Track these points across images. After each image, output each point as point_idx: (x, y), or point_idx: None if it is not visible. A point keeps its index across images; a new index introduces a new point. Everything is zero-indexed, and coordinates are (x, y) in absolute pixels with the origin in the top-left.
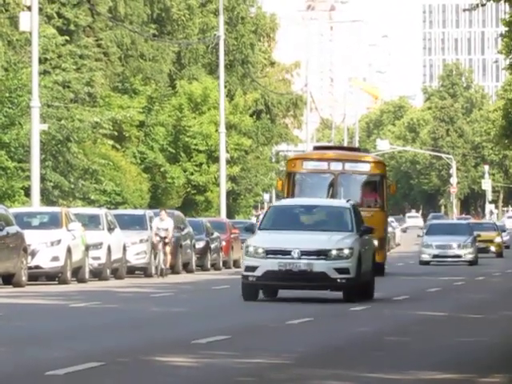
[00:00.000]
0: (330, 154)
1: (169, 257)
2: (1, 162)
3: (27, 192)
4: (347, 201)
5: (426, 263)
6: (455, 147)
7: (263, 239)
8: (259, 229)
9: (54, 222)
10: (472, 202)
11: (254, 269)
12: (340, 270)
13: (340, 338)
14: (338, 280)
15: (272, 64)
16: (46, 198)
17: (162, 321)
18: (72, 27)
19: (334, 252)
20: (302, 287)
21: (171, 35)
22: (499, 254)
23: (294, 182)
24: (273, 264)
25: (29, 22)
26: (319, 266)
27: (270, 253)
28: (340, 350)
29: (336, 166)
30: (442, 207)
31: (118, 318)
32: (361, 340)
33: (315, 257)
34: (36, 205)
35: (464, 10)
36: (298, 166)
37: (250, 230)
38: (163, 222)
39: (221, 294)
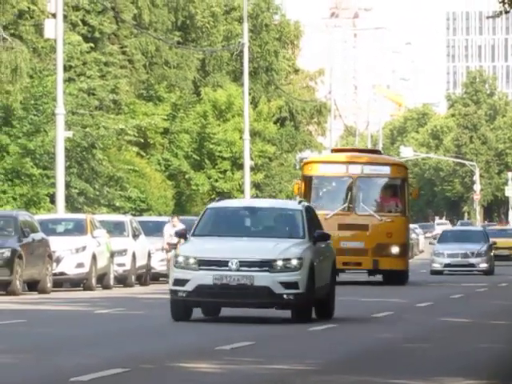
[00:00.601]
0: (348, 156)
1: None
2: (26, 169)
3: (52, 199)
4: (299, 202)
5: (438, 273)
6: (478, 154)
7: (196, 248)
8: (192, 235)
9: (78, 228)
10: (495, 208)
11: (184, 282)
12: (287, 285)
13: (365, 345)
14: (285, 296)
15: (296, 71)
16: (71, 205)
17: (186, 327)
18: (97, 34)
19: (279, 263)
20: (241, 305)
21: (195, 42)
22: None
23: (310, 187)
24: (206, 277)
25: (53, 29)
26: (261, 279)
27: (203, 263)
28: (364, 357)
29: (354, 169)
30: (466, 214)
31: (142, 325)
32: (384, 347)
33: (257, 268)
34: (61, 212)
35: (488, 18)
36: (314, 170)
37: (181, 235)
38: (175, 229)
39: None
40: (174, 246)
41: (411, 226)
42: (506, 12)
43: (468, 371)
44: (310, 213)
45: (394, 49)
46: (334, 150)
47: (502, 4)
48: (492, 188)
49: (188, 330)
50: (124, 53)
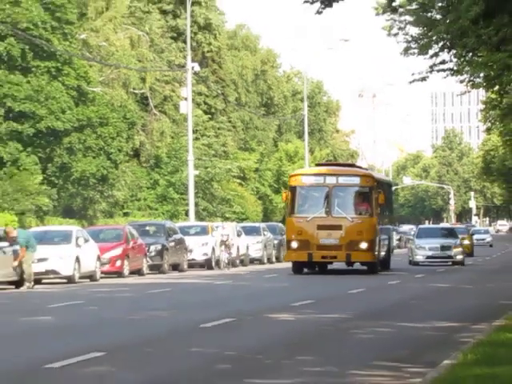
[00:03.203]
0: (326, 169)
1: (230, 255)
2: (170, 195)
3: (186, 213)
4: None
5: (417, 264)
6: (452, 181)
7: None
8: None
9: (203, 231)
10: (463, 215)
11: None
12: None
13: (385, 302)
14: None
15: (337, 131)
16: (198, 217)
17: (270, 291)
18: (213, 110)
19: None
20: None
21: (274, 114)
22: (469, 254)
23: (294, 194)
24: None
25: (186, 107)
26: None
27: None
28: (384, 310)
29: (330, 180)
30: (445, 219)
31: (246, 292)
32: (396, 303)
33: None
34: (192, 221)
35: (457, 95)
36: (298, 181)
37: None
38: (225, 230)
39: (291, 276)
40: (223, 243)
41: (410, 226)
42: (469, 91)
43: (449, 316)
44: None
45: (400, 118)
46: (318, 164)
47: (465, 85)
48: (461, 202)
49: (271, 293)
50: (230, 121)
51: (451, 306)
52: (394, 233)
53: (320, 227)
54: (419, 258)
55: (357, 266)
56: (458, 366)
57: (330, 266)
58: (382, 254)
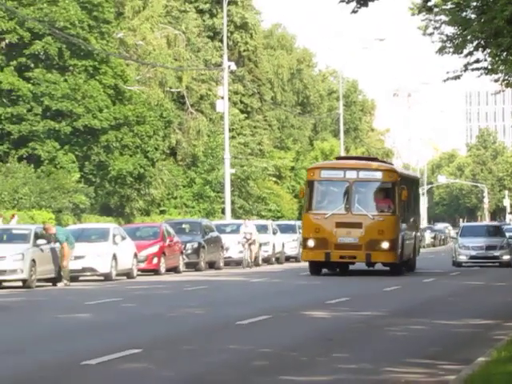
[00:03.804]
0: (346, 163)
1: (253, 252)
2: (207, 193)
3: (223, 211)
4: None
5: (460, 265)
6: (486, 179)
7: None
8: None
9: (239, 229)
10: (497, 213)
11: None
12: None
13: (420, 299)
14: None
15: (372, 130)
16: (235, 215)
17: (307, 289)
18: (249, 109)
19: None
20: None
21: (310, 113)
22: None
23: (312, 190)
24: None
25: (222, 106)
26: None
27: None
28: (419, 306)
29: (351, 175)
30: (479, 217)
31: (282, 289)
32: (433, 299)
33: None
34: (228, 219)
35: (492, 94)
36: (316, 175)
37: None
38: (247, 228)
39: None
40: (247, 241)
41: (445, 224)
42: (503, 91)
43: (483, 314)
44: None
45: (434, 116)
46: (338, 158)
47: (500, 84)
48: (495, 200)
49: (306, 291)
50: (265, 120)
51: (484, 304)
52: (429, 231)
53: (339, 225)
54: (462, 258)
55: (379, 266)
56: (491, 364)
57: (351, 267)
58: (407, 254)
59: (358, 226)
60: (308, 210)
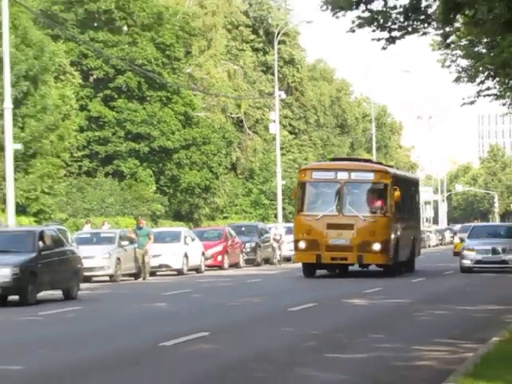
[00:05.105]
0: (338, 164)
1: (281, 252)
2: (262, 201)
3: (275, 216)
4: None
5: (465, 270)
6: (497, 187)
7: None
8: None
9: (289, 231)
10: (506, 216)
11: None
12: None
13: (442, 289)
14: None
15: (400, 147)
16: (285, 219)
17: (346, 281)
18: (296, 130)
19: None
20: None
21: (347, 133)
22: None
23: (303, 191)
24: None
25: (274, 128)
26: None
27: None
28: (441, 295)
29: (342, 176)
30: (490, 219)
31: (325, 281)
32: (452, 289)
33: None
34: (280, 222)
35: (500, 116)
36: (307, 176)
37: None
38: (277, 230)
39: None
40: (277, 241)
41: (459, 225)
42: (510, 113)
43: (497, 301)
44: None
45: (452, 135)
46: (333, 159)
47: (507, 107)
48: (504, 205)
49: (345, 283)
50: (310, 139)
51: (499, 293)
52: (448, 231)
53: (330, 226)
54: (466, 263)
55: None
56: (504, 343)
57: (350, 268)
58: (404, 255)
59: (350, 227)
60: (299, 211)
